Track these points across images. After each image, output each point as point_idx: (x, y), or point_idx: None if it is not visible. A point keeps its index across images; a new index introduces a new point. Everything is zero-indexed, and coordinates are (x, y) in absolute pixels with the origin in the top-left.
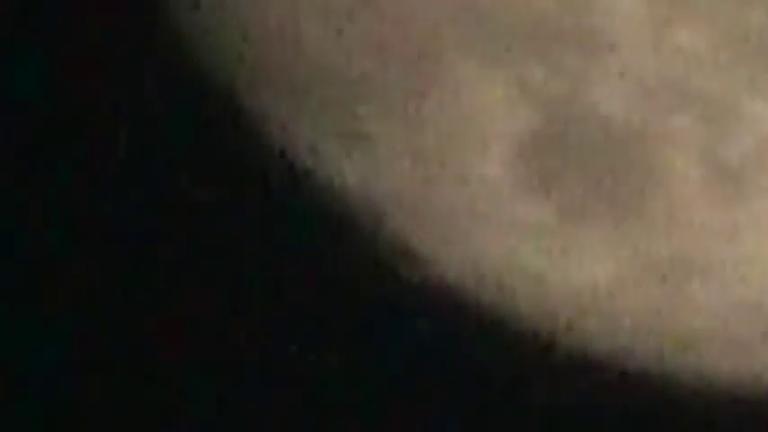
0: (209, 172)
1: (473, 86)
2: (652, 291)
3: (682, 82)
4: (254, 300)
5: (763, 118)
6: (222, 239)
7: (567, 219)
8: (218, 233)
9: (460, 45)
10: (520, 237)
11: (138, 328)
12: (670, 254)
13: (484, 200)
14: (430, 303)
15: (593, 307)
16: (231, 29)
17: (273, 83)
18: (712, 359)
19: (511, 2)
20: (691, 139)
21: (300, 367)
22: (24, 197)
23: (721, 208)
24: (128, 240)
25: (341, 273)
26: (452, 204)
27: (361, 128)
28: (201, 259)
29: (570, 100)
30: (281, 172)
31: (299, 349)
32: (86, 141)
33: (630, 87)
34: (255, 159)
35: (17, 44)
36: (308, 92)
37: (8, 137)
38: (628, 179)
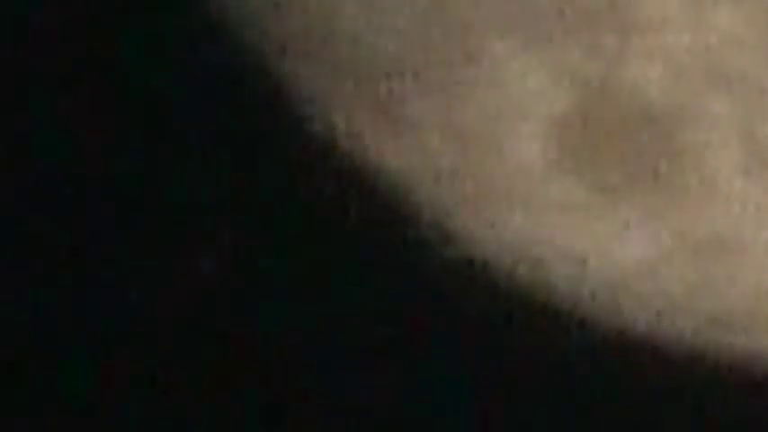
0: (248, 156)
1: (510, 66)
2: (688, 269)
3: (719, 61)
4: (295, 283)
5: None
6: (262, 221)
7: (602, 198)
8: (257, 215)
9: (498, 25)
10: (557, 216)
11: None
12: (706, 233)
13: (521, 179)
14: (468, 283)
15: (630, 285)
16: (267, 7)
17: (310, 62)
18: (747, 338)
19: None
20: (728, 119)
21: (339, 351)
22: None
23: (758, 188)
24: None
25: (379, 253)
26: (489, 184)
27: (398, 107)
28: (238, 245)
29: (607, 79)
30: (320, 152)
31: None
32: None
33: (667, 67)
34: (294, 141)
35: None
36: (346, 71)
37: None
38: (664, 159)
